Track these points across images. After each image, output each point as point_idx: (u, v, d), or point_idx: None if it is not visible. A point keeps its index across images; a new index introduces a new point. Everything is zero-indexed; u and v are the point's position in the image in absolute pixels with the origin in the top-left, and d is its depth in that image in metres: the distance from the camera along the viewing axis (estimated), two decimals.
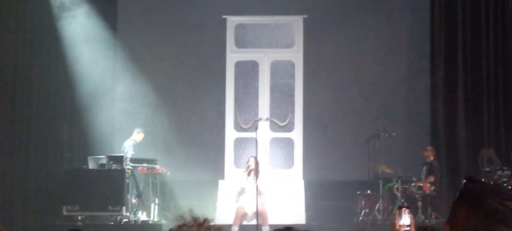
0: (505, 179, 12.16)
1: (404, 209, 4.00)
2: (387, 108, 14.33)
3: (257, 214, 11.28)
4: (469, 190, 2.16)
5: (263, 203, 11.71)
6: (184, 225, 2.01)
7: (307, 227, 10.96)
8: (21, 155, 13.03)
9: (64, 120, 13.50)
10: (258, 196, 11.34)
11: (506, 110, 13.52)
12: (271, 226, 11.36)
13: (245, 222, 11.80)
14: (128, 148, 13.31)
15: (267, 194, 11.97)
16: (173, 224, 2.06)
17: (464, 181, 2.22)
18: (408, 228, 3.96)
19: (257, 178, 11.58)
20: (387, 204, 12.89)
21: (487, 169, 12.68)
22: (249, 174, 11.84)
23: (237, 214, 11.69)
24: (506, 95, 13.54)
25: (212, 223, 2.08)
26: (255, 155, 11.87)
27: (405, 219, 3.97)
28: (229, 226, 11.19)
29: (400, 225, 3.95)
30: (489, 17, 13.67)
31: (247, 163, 12.05)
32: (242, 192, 11.90)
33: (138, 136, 13.45)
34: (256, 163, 11.80)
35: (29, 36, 13.20)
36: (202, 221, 2.03)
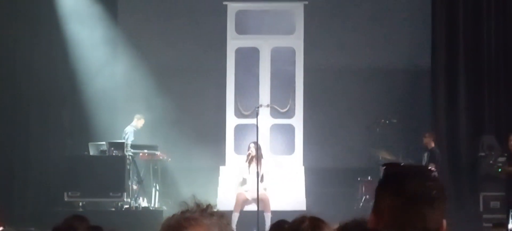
0: (500, 164, 12.18)
1: None
2: (388, 95, 14.32)
3: (258, 200, 11.29)
4: (389, 176, 2.15)
5: (265, 188, 11.73)
6: (187, 211, 2.02)
7: (306, 213, 10.99)
8: (22, 141, 13.05)
9: (64, 106, 13.51)
10: (260, 182, 11.36)
11: (507, 96, 13.51)
12: (272, 212, 11.39)
13: (247, 208, 11.82)
14: (129, 134, 13.33)
15: (269, 179, 12.00)
16: (174, 210, 2.07)
17: (384, 167, 2.21)
18: None
19: (259, 163, 11.60)
20: None
21: (482, 154, 12.69)
22: (250, 161, 11.84)
23: (237, 200, 11.71)
24: (507, 81, 13.53)
25: (215, 209, 2.08)
26: (255, 141, 11.88)
27: None
28: (230, 212, 11.21)
29: None
30: (491, 3, 13.64)
31: (248, 150, 12.06)
32: (243, 181, 11.91)
33: (138, 122, 13.47)
34: (258, 148, 11.82)
35: (28, 22, 13.18)
36: (205, 206, 2.03)
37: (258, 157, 11.70)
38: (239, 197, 11.72)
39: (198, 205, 2.02)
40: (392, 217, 2.06)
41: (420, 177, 2.11)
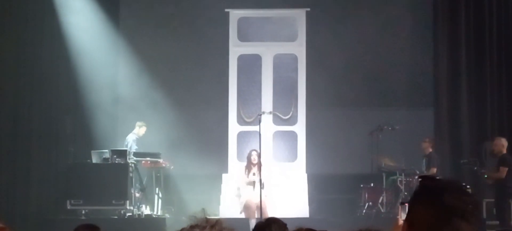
0: (484, 171, 12.16)
1: (407, 204, 4.02)
2: (390, 101, 14.32)
3: (261, 207, 11.27)
4: (425, 187, 2.15)
5: (266, 195, 11.70)
6: (196, 225, 1.99)
7: (309, 221, 10.97)
8: (25, 149, 13.05)
9: (67, 114, 13.50)
10: (261, 189, 11.35)
11: (509, 102, 13.49)
12: None
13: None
14: (131, 142, 13.32)
15: (270, 186, 11.97)
16: (176, 218, 2.06)
17: (420, 179, 2.21)
18: None
19: (260, 170, 11.59)
20: (391, 197, 12.88)
21: (465, 161, 12.67)
22: (251, 169, 11.81)
23: (250, 207, 11.66)
24: (510, 87, 13.51)
25: (218, 218, 2.05)
26: (255, 148, 11.87)
27: None
28: (233, 219, 11.17)
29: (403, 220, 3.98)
30: (493, 9, 13.62)
31: (251, 159, 12.00)
32: (251, 183, 11.87)
33: (140, 129, 13.46)
34: (258, 156, 11.81)
35: (31, 31, 13.20)
36: (214, 222, 2.00)
37: (258, 164, 11.69)
38: (250, 203, 11.67)
39: (207, 219, 1.99)
40: (426, 229, 2.06)
41: (456, 190, 2.11)
